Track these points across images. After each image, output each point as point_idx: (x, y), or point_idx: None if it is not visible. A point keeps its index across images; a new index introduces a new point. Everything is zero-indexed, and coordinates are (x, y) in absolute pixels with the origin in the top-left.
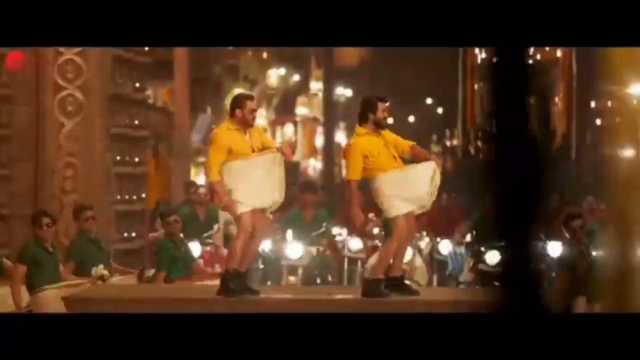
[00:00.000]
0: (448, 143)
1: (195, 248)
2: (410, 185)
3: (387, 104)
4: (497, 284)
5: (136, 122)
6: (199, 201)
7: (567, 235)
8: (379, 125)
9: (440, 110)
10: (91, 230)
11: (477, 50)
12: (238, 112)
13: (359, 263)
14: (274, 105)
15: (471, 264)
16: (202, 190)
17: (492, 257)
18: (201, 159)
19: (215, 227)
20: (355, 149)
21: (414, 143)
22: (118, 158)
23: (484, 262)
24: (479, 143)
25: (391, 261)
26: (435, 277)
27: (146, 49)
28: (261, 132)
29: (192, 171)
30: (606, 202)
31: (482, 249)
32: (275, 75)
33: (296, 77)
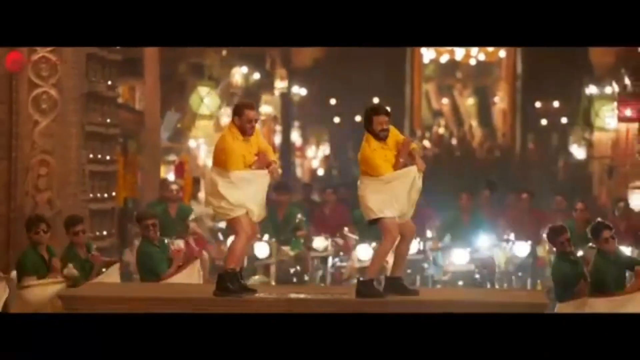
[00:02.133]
0: None
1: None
2: (393, 191)
3: (387, 116)
4: (460, 283)
5: (108, 120)
6: (171, 198)
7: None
8: (377, 138)
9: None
10: (80, 244)
11: (423, 49)
12: (236, 119)
13: (328, 261)
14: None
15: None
16: (174, 187)
17: (460, 257)
18: (171, 157)
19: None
20: (369, 150)
21: (410, 140)
22: (91, 156)
23: (452, 262)
24: (426, 143)
25: (390, 261)
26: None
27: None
28: (258, 134)
29: (162, 169)
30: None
31: (452, 248)
32: (239, 74)
33: (260, 76)
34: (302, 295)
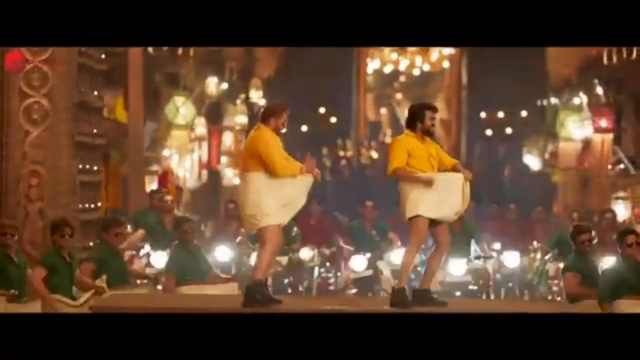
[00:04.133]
0: (342, 152)
1: (162, 258)
2: (438, 192)
3: (436, 112)
4: (458, 294)
5: (95, 130)
6: (165, 209)
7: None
8: (427, 133)
9: (333, 119)
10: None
11: (368, 58)
12: (272, 121)
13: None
14: (213, 114)
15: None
16: (168, 198)
17: (457, 267)
18: (154, 167)
19: None
20: (400, 143)
21: (457, 162)
22: (80, 166)
23: (449, 273)
24: (373, 154)
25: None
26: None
27: (102, 56)
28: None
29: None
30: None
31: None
32: (213, 83)
33: (235, 86)
34: (330, 307)
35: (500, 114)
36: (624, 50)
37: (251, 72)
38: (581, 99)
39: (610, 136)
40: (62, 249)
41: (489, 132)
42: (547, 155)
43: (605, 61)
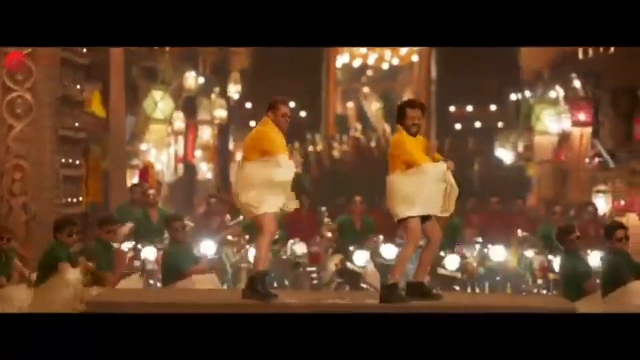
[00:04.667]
0: (311, 147)
1: (151, 253)
2: (421, 189)
3: (417, 109)
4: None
5: (77, 124)
6: (148, 203)
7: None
8: (409, 132)
9: (303, 113)
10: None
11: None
12: (270, 114)
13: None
14: (190, 108)
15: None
16: (151, 192)
17: (452, 262)
18: (133, 162)
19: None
20: (403, 141)
21: (439, 155)
22: (62, 160)
23: (443, 266)
24: (344, 147)
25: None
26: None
27: (84, 50)
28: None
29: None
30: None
31: (442, 253)
32: (191, 77)
33: (211, 80)
34: (331, 301)
35: (469, 108)
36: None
37: (225, 67)
38: (557, 92)
39: (588, 129)
40: (67, 246)
41: (458, 126)
42: (521, 149)
43: (580, 56)
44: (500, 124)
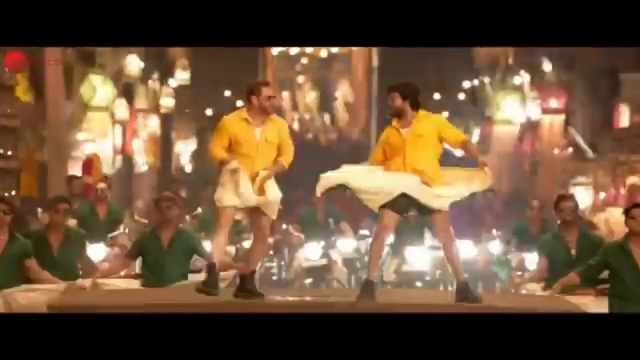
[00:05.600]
0: None
1: (98, 250)
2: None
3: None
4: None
5: (8, 110)
6: (97, 198)
7: None
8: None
9: (239, 102)
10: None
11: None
12: (254, 99)
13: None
14: (136, 96)
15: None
16: (101, 186)
17: (416, 257)
18: (76, 153)
19: (121, 227)
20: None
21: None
22: None
23: (407, 263)
24: None
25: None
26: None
27: None
28: (282, 127)
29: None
30: None
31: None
32: (135, 63)
33: (159, 67)
34: (329, 299)
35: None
36: None
37: (164, 52)
38: (522, 77)
39: (560, 117)
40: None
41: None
42: (476, 140)
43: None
44: (445, 114)
